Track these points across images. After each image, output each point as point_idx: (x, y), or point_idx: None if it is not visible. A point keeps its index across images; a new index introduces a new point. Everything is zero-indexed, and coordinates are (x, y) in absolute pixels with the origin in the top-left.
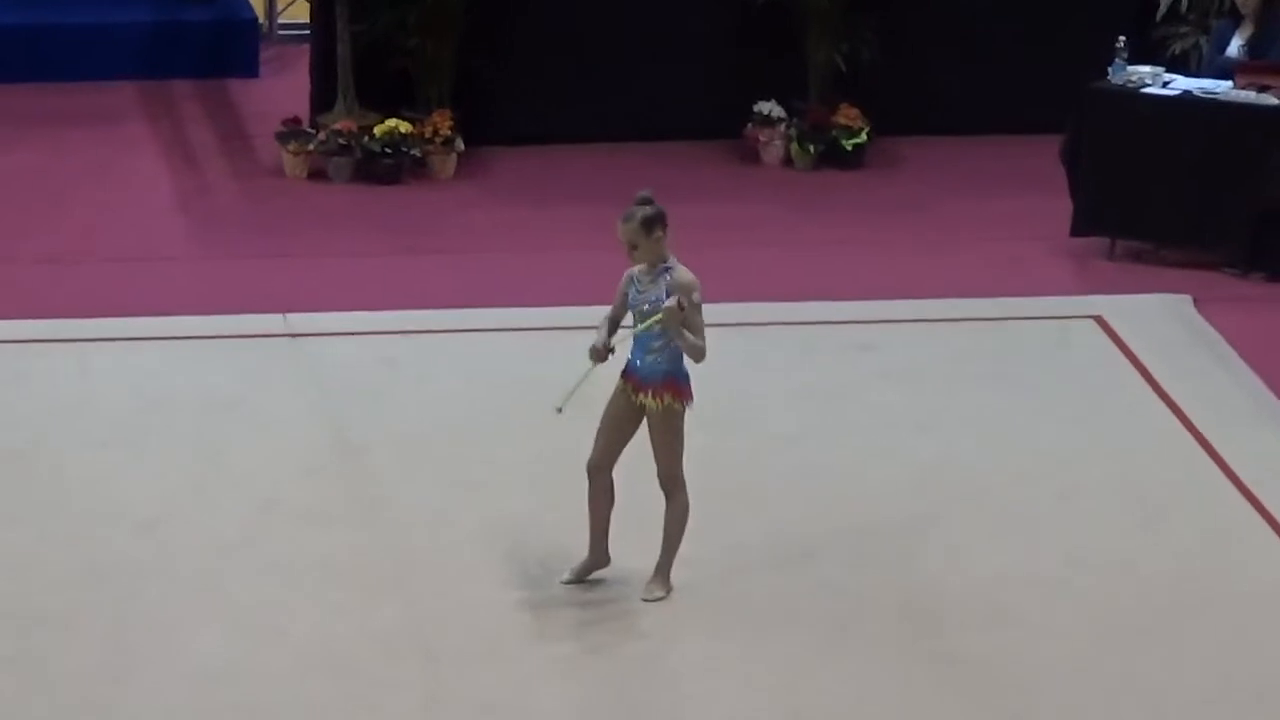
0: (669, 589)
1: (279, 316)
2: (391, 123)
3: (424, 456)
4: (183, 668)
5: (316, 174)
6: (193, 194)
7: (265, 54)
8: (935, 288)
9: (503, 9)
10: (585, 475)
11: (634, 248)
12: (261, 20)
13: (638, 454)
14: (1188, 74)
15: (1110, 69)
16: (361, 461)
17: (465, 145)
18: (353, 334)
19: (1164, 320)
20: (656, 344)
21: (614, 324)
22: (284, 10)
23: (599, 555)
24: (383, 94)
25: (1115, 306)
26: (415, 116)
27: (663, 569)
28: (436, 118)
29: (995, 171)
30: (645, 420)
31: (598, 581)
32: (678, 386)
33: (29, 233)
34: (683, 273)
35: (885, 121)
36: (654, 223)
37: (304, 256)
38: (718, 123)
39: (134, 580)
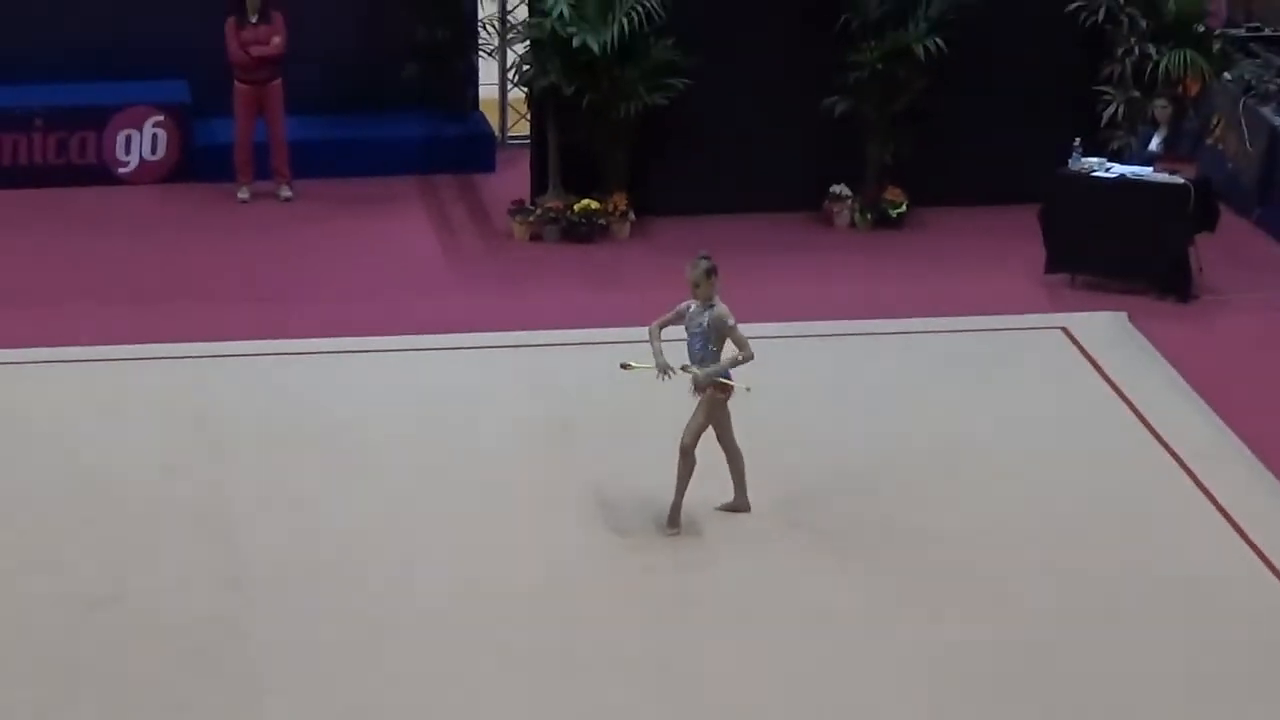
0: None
1: (512, 333)
2: (586, 201)
3: (632, 433)
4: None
5: (535, 237)
6: (452, 252)
7: (500, 156)
8: (952, 307)
9: (660, 123)
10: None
11: (696, 286)
12: (496, 134)
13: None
14: (1123, 163)
15: (1070, 159)
16: (571, 435)
17: (636, 216)
18: (563, 345)
19: (1109, 330)
20: (699, 355)
21: (660, 329)
22: (513, 126)
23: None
24: (580, 182)
25: (1076, 320)
26: (601, 197)
27: (674, 509)
28: (616, 198)
29: (994, 229)
30: (700, 401)
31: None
32: (720, 383)
33: (339, 279)
34: (721, 308)
35: (920, 197)
36: (712, 272)
37: (528, 295)
38: (806, 199)
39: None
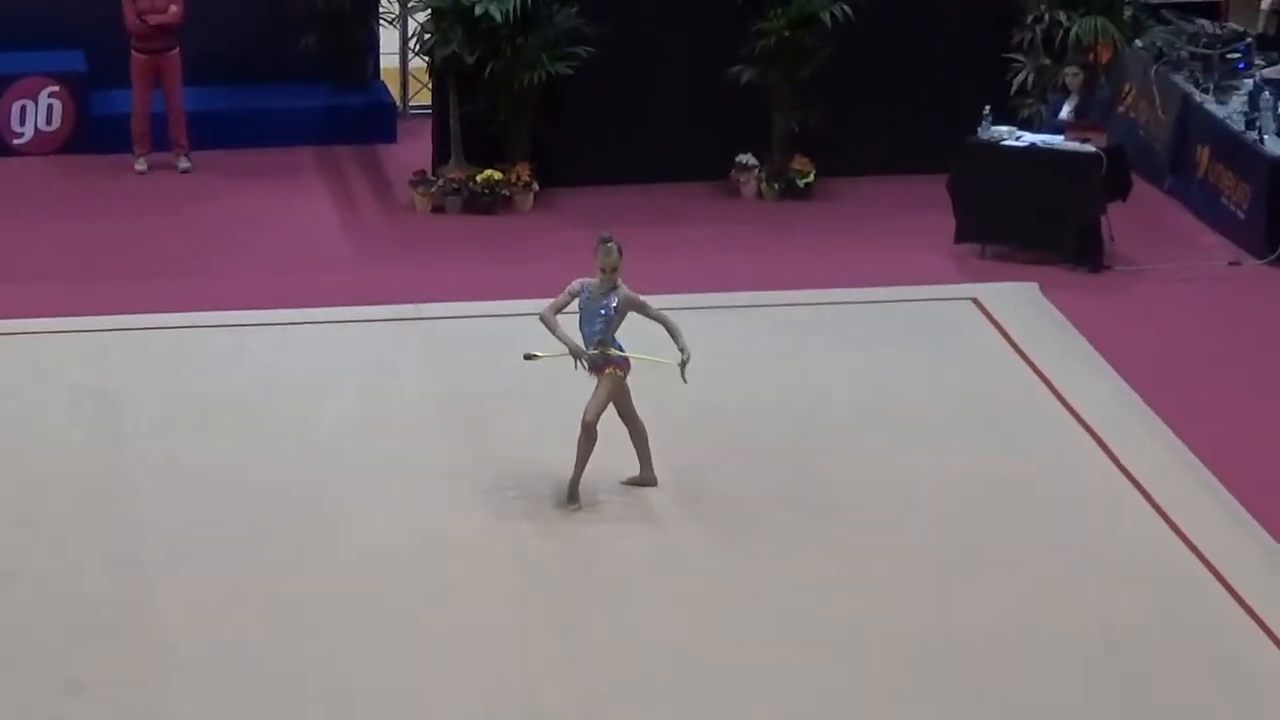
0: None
1: (412, 305)
2: (488, 172)
3: (521, 404)
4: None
5: (437, 209)
6: (353, 224)
7: (401, 126)
8: (860, 279)
9: (564, 93)
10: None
11: (614, 270)
12: (398, 103)
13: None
14: (1033, 131)
15: (980, 128)
16: (472, 409)
17: (540, 187)
18: (464, 317)
19: (1019, 300)
20: (595, 338)
21: (555, 312)
22: (414, 95)
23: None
24: (483, 152)
25: (986, 291)
26: (504, 168)
27: (573, 485)
28: (519, 168)
29: (902, 199)
30: (599, 381)
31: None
32: (618, 362)
33: (237, 252)
34: (626, 290)
35: (827, 166)
36: (622, 253)
37: (429, 266)
38: (711, 168)
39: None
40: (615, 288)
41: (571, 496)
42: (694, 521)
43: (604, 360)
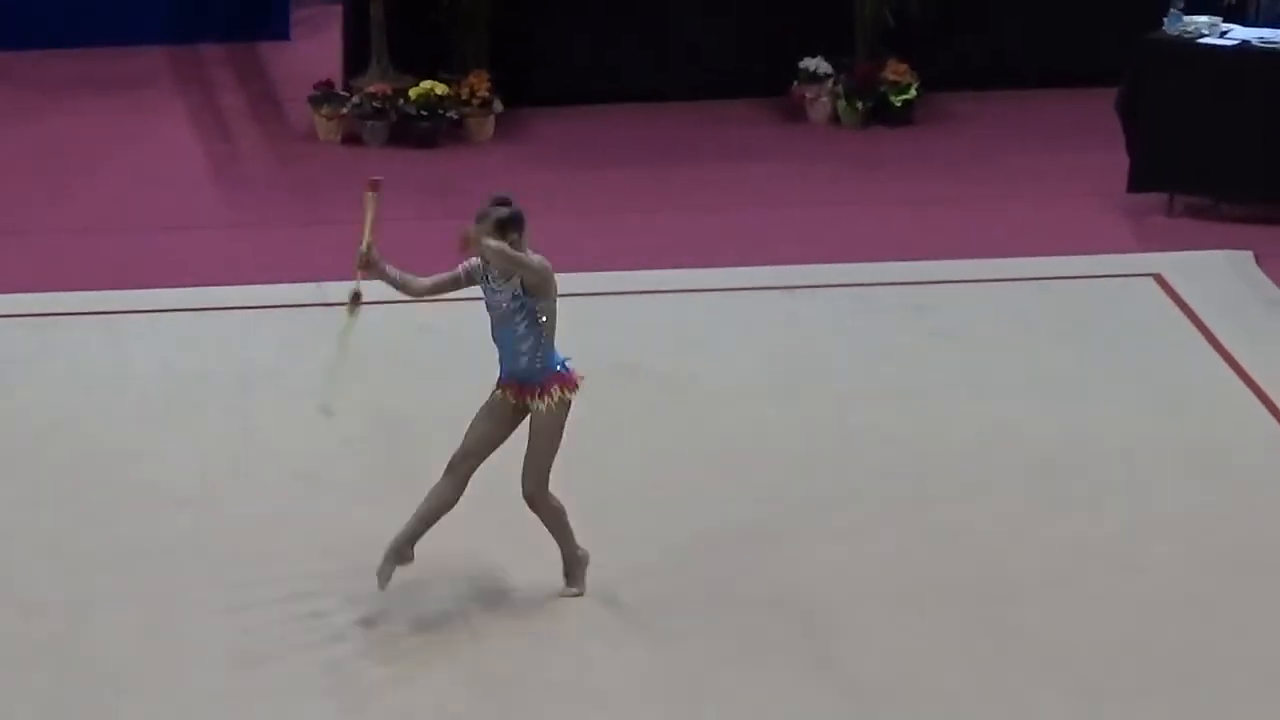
0: (583, 586)
1: (313, 285)
2: (427, 85)
3: (462, 426)
4: (218, 650)
5: (351, 138)
6: (224, 161)
7: (296, 16)
8: (988, 247)
9: None
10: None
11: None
12: None
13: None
14: (1246, 23)
15: (1166, 20)
16: (401, 433)
17: (503, 107)
18: (387, 302)
19: (1225, 276)
20: (524, 346)
21: (435, 289)
22: None
23: (402, 548)
24: (418, 55)
25: (1174, 264)
26: (451, 78)
27: (572, 564)
28: (473, 79)
29: (1049, 126)
30: (530, 422)
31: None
32: (563, 376)
33: (56, 202)
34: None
35: (935, 76)
36: (509, 225)
37: (339, 223)
38: (763, 80)
39: (171, 560)
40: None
41: (571, 576)
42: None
43: (534, 376)
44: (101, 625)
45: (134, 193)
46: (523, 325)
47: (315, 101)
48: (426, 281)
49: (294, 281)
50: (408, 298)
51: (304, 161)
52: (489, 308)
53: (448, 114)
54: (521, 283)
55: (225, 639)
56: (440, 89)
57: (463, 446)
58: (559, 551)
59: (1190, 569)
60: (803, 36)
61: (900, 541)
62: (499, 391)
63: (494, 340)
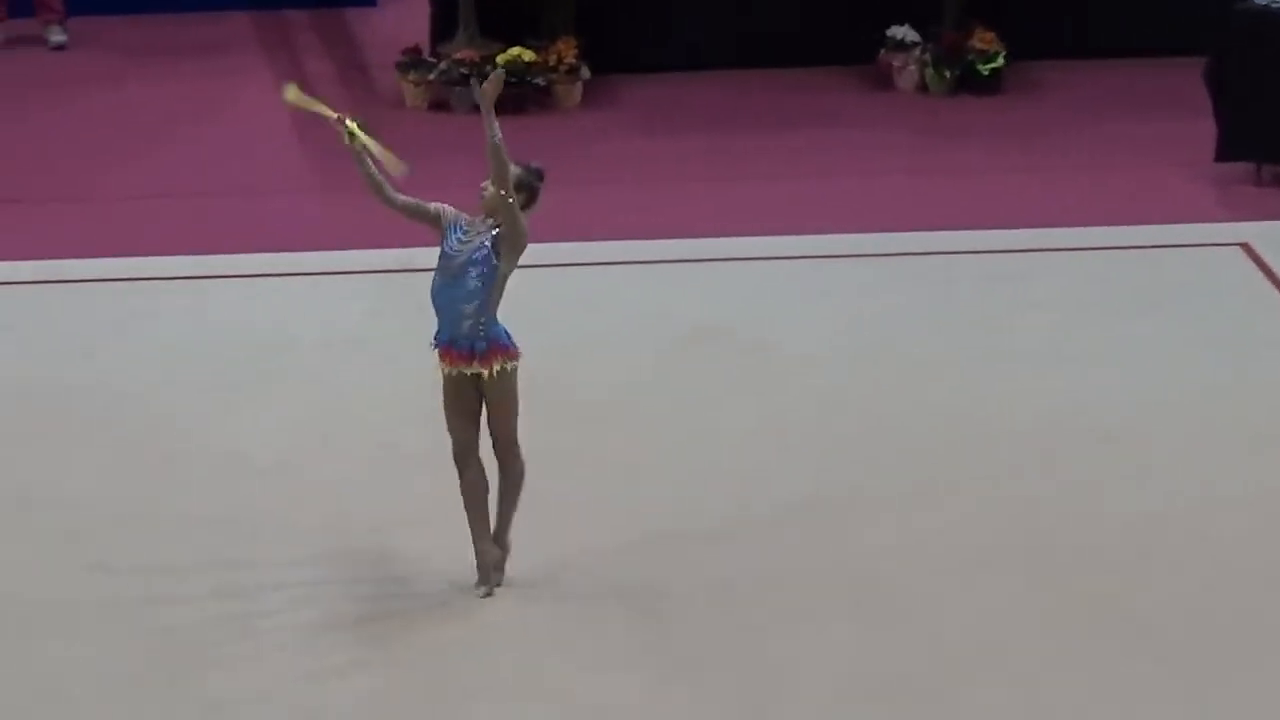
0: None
1: (401, 250)
2: (514, 51)
3: (539, 393)
4: (303, 618)
5: (437, 105)
6: (310, 126)
7: None
8: (1075, 215)
9: None
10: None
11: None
12: None
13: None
14: None
15: None
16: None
17: (590, 74)
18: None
19: None
20: (470, 307)
21: (405, 209)
22: None
23: (490, 547)
24: (505, 21)
25: (1263, 233)
26: (539, 45)
27: (499, 541)
28: (561, 46)
29: (1135, 95)
30: (484, 393)
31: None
32: (505, 348)
33: (143, 168)
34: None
35: (1022, 45)
36: (520, 187)
37: (426, 189)
38: (850, 48)
39: (255, 528)
40: (496, 226)
41: (484, 575)
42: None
43: (477, 346)
44: (181, 592)
45: (220, 157)
46: (475, 279)
47: (402, 68)
48: (401, 197)
49: (379, 247)
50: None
51: (391, 127)
52: (442, 259)
53: (534, 81)
54: (494, 238)
55: (303, 608)
56: (527, 55)
57: (454, 444)
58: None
59: (1269, 542)
60: (890, 4)
61: (977, 509)
62: (446, 369)
63: (434, 302)
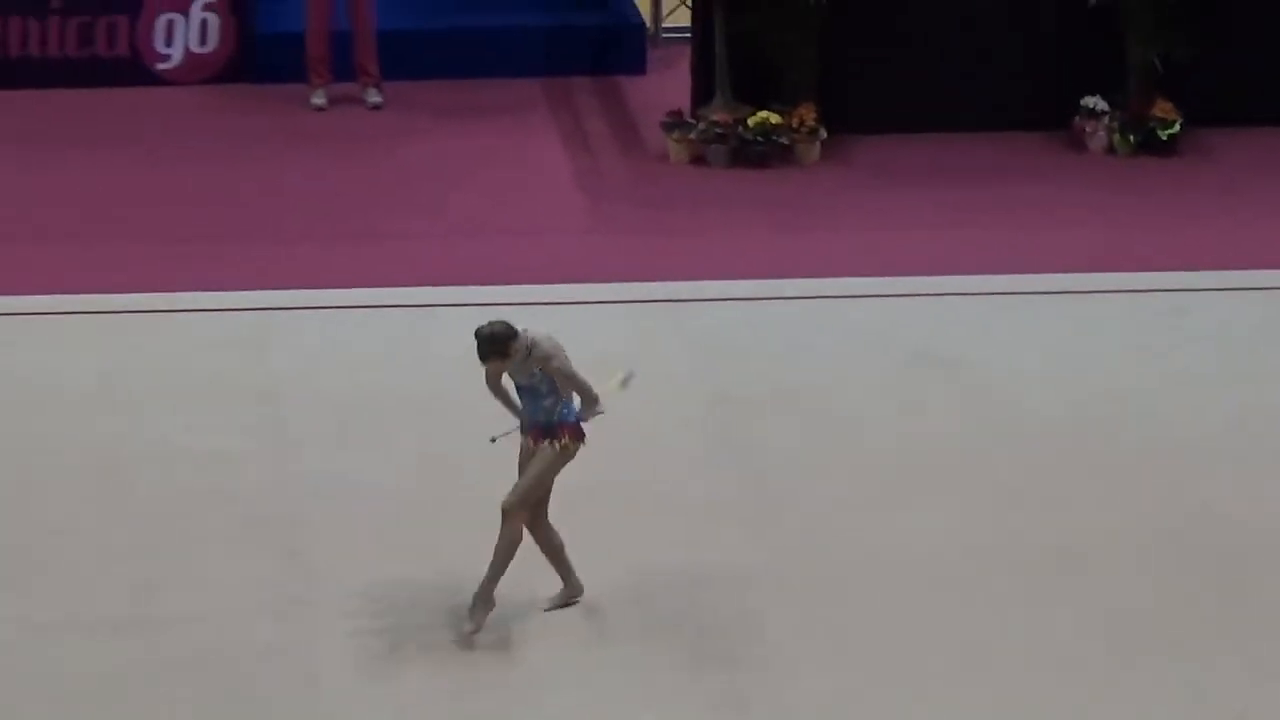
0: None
1: (663, 283)
2: (763, 114)
3: (792, 407)
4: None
5: (697, 160)
6: (588, 175)
7: (651, 54)
8: (1243, 259)
9: (860, 11)
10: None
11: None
12: (648, 24)
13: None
14: None
15: None
16: (735, 413)
17: (827, 134)
18: (731, 299)
19: None
20: (546, 403)
21: (508, 400)
22: (668, 14)
23: (572, 586)
24: (755, 88)
25: None
26: (783, 109)
27: (483, 597)
28: (802, 110)
29: None
30: (536, 452)
31: None
32: (574, 428)
33: (438, 209)
34: (541, 347)
35: (1198, 112)
36: (502, 346)
37: (685, 234)
38: (1048, 114)
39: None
40: (529, 352)
41: (475, 611)
42: None
43: (550, 425)
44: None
45: (512, 204)
46: (545, 390)
47: (667, 127)
48: (508, 401)
49: (644, 280)
50: (745, 295)
51: (656, 179)
52: (515, 383)
53: (779, 140)
54: (536, 370)
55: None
56: (774, 118)
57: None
58: (484, 575)
59: None
60: (1084, 77)
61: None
62: (526, 439)
63: (519, 399)
